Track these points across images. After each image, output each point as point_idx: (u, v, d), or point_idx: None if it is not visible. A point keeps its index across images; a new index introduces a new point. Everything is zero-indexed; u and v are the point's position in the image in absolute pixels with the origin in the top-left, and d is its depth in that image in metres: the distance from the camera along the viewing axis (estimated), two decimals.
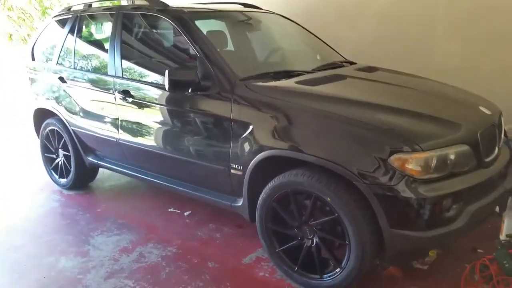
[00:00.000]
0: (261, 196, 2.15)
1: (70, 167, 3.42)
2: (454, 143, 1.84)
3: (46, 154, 3.64)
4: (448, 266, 2.26)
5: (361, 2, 3.82)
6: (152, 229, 2.83)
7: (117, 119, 2.87)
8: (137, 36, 3.00)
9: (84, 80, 3.10)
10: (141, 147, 2.77)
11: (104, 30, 3.37)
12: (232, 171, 2.25)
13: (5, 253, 2.61)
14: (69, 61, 3.26)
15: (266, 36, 3.23)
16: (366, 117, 1.91)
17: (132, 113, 2.78)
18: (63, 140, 3.40)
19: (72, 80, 3.19)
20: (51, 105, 3.38)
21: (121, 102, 2.80)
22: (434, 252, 2.30)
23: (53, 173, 3.62)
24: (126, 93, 2.75)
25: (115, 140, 2.92)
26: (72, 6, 3.54)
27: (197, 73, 2.29)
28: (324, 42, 3.20)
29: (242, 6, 3.31)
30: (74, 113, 3.20)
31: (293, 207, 2.07)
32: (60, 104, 3.31)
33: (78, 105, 3.16)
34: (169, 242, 2.64)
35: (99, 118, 3.02)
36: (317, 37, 3.22)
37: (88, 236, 2.76)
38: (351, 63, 2.98)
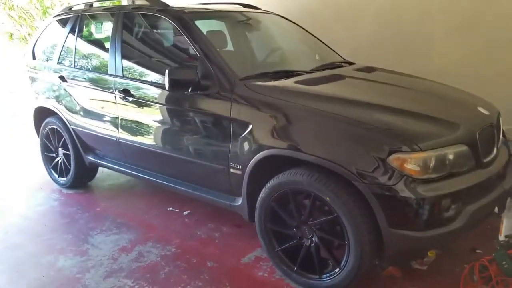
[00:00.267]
0: (260, 195, 2.15)
1: (70, 166, 3.42)
2: (452, 143, 1.85)
3: (45, 153, 3.65)
4: (447, 266, 2.26)
5: (360, 3, 3.83)
6: (151, 228, 2.83)
7: (117, 118, 2.88)
8: (137, 36, 3.00)
9: (84, 79, 3.11)
10: (141, 146, 2.77)
11: (105, 29, 3.38)
12: (232, 170, 2.25)
13: (4, 252, 2.62)
14: (70, 60, 3.27)
15: (265, 36, 3.24)
16: (365, 117, 1.92)
17: (132, 112, 2.79)
18: (63, 139, 3.41)
19: (72, 79, 3.19)
20: (51, 104, 3.39)
21: (121, 101, 2.81)
22: (433, 252, 2.30)
23: (53, 172, 3.63)
24: (126, 92, 2.75)
25: (115, 139, 2.93)
26: (73, 6, 3.55)
27: (197, 72, 2.30)
28: (322, 42, 3.21)
29: (242, 7, 3.31)
30: (74, 112, 3.21)
31: (292, 207, 2.07)
32: (60, 103, 3.32)
33: (78, 104, 3.17)
34: (168, 241, 2.64)
35: (99, 117, 3.02)
36: (315, 37, 3.23)
37: (87, 235, 2.76)
38: (350, 63, 2.98)
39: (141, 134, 2.78)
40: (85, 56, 3.25)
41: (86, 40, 3.36)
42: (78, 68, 3.19)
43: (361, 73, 2.70)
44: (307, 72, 2.56)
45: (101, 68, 3.04)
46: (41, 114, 3.56)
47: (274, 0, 4.19)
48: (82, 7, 3.36)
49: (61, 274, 2.34)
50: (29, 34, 8.75)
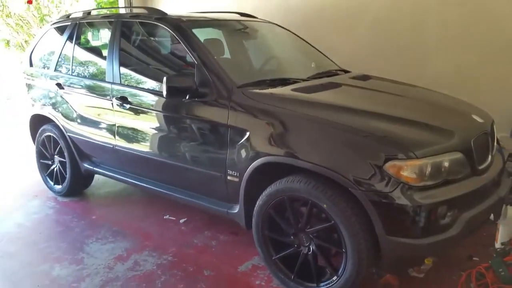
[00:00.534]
0: (257, 203, 2.15)
1: (66, 174, 3.40)
2: (448, 151, 1.86)
3: (41, 161, 3.62)
4: (444, 274, 2.26)
5: (356, 12, 3.88)
6: (147, 236, 2.81)
7: (114, 125, 2.87)
8: (135, 44, 3.02)
9: (81, 87, 3.11)
10: (137, 153, 2.77)
11: (103, 37, 3.39)
12: (229, 177, 2.25)
13: None
14: (67, 68, 3.27)
15: (262, 45, 3.27)
16: (362, 125, 1.93)
17: (129, 120, 2.79)
18: (59, 147, 3.39)
19: (69, 86, 3.19)
20: (48, 111, 3.38)
21: (118, 108, 2.81)
22: (430, 260, 2.30)
23: (48, 179, 3.60)
24: (123, 100, 2.76)
25: (112, 146, 2.92)
26: (71, 13, 3.57)
27: (195, 80, 2.31)
28: (318, 50, 3.25)
29: (239, 15, 3.35)
30: (71, 119, 3.20)
31: (289, 214, 2.07)
32: (57, 110, 3.31)
33: (75, 111, 3.16)
34: (164, 249, 2.62)
35: (96, 124, 3.02)
36: (312, 45, 3.26)
37: (82, 244, 2.74)
38: (345, 71, 3.01)
39: (138, 141, 2.77)
40: (82, 64, 3.26)
41: (84, 47, 3.37)
42: (75, 76, 3.19)
43: (356, 81, 2.73)
44: (304, 80, 2.58)
45: (99, 76, 3.05)
46: (37, 122, 3.55)
47: (271, 9, 4.25)
48: (80, 15, 3.38)
49: (56, 283, 2.31)
50: (26, 41, 8.76)
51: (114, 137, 2.89)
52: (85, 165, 3.26)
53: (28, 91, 3.60)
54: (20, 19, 8.79)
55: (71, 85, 3.18)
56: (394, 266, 1.97)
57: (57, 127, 3.34)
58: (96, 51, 3.30)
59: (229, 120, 2.22)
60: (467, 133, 2.01)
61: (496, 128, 2.32)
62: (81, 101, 3.12)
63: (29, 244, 2.76)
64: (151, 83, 2.74)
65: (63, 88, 3.23)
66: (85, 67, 3.23)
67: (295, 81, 2.51)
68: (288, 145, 2.04)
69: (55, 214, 3.24)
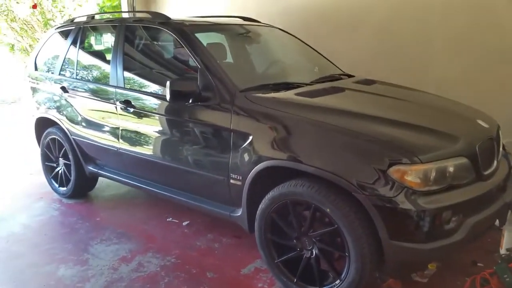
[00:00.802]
0: (260, 206, 2.15)
1: (70, 176, 3.42)
2: (453, 156, 1.85)
3: (46, 163, 3.65)
4: (448, 279, 2.24)
5: (359, 16, 3.87)
6: (151, 238, 2.82)
7: (118, 128, 2.89)
8: (138, 48, 3.04)
9: (86, 90, 3.13)
10: (141, 156, 2.78)
11: (106, 41, 3.42)
12: (232, 181, 2.26)
13: (4, 261, 2.61)
14: (71, 71, 3.30)
15: (265, 49, 3.27)
16: (365, 129, 1.93)
17: (133, 123, 2.81)
18: (63, 149, 3.42)
19: (74, 90, 3.22)
20: (53, 114, 3.41)
21: (122, 112, 2.83)
22: (434, 265, 2.29)
23: (53, 181, 3.63)
24: (127, 103, 2.77)
25: (116, 149, 2.94)
26: (75, 18, 3.60)
27: (198, 84, 2.32)
28: (321, 55, 3.24)
29: (242, 20, 3.36)
30: (76, 123, 3.23)
31: (292, 218, 2.07)
32: (61, 113, 3.34)
33: (79, 114, 3.19)
34: (168, 251, 2.63)
35: (100, 127, 3.04)
36: (315, 50, 3.26)
37: (87, 245, 2.75)
38: (349, 76, 3.01)
39: (142, 145, 2.79)
40: (86, 67, 3.28)
41: (88, 51, 3.40)
42: (80, 79, 3.21)
43: (360, 85, 2.72)
44: (307, 84, 2.58)
45: (103, 79, 3.07)
46: (42, 125, 3.58)
47: (274, 13, 4.26)
48: (84, 19, 3.41)
49: (62, 284, 2.33)
50: (30, 45, 8.84)
51: (118, 140, 2.90)
52: (90, 167, 3.28)
53: (33, 94, 3.64)
54: (25, 24, 8.87)
55: (76, 88, 3.21)
56: (397, 270, 1.97)
57: (61, 130, 3.37)
58: (100, 55, 3.33)
59: (232, 124, 2.23)
60: (472, 138, 2.00)
61: (502, 134, 2.31)
62: (85, 105, 3.14)
63: (34, 245, 2.78)
64: (154, 87, 2.75)
65: (67, 92, 3.26)
66: (89, 71, 3.26)
67: (298, 86, 2.51)
68: (291, 149, 2.04)
69: (60, 216, 3.26)
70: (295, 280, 2.10)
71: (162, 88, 2.62)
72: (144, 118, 2.74)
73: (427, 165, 1.76)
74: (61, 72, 3.36)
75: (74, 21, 3.52)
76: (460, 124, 2.20)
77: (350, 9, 3.90)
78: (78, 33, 3.32)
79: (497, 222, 2.07)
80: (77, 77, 3.24)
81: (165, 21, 2.75)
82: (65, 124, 3.31)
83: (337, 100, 2.40)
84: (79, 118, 3.19)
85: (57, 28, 3.63)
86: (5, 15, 8.76)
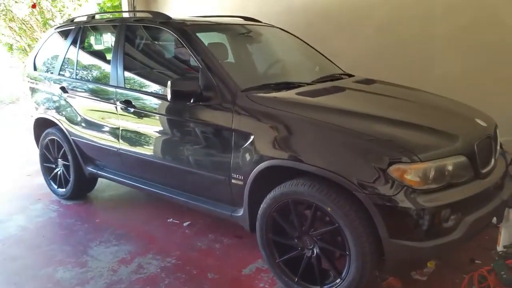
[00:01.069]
0: (261, 206, 2.16)
1: (69, 177, 3.41)
2: (451, 154, 1.88)
3: (45, 164, 3.64)
4: (447, 277, 2.27)
5: (360, 16, 3.90)
6: (151, 239, 2.82)
7: (118, 128, 2.89)
8: (139, 48, 3.04)
9: (85, 90, 3.13)
10: (141, 156, 2.78)
11: (106, 41, 3.42)
12: (233, 181, 2.27)
13: (2, 264, 2.59)
14: (71, 71, 3.30)
15: (266, 49, 3.29)
16: (366, 128, 1.95)
17: (133, 123, 2.81)
18: (62, 150, 3.41)
19: (73, 90, 3.21)
20: (52, 115, 3.40)
21: (123, 112, 2.83)
22: (433, 262, 2.31)
23: (52, 183, 3.61)
24: (127, 103, 2.78)
25: (116, 149, 2.94)
26: (75, 17, 3.60)
27: (199, 84, 2.33)
28: (322, 54, 3.27)
29: (243, 19, 3.37)
30: (75, 123, 3.22)
31: (293, 217, 2.08)
32: (60, 113, 3.33)
33: (79, 114, 3.18)
34: (168, 252, 2.63)
35: (100, 127, 3.04)
36: (315, 50, 3.29)
37: (86, 247, 2.74)
38: (349, 75, 3.03)
39: (142, 145, 2.79)
40: (86, 67, 3.28)
41: (88, 51, 3.39)
42: (79, 79, 3.21)
43: (361, 85, 2.74)
44: (308, 84, 2.60)
45: (103, 79, 3.07)
46: (41, 125, 3.56)
47: (275, 13, 4.28)
48: (84, 19, 3.41)
49: (60, 286, 2.32)
50: (29, 45, 8.79)
51: (118, 140, 2.90)
52: (89, 168, 3.27)
53: (32, 94, 3.62)
54: (23, 23, 8.83)
55: (75, 88, 3.20)
56: (397, 269, 1.98)
57: (61, 130, 3.36)
58: (100, 55, 3.33)
59: (233, 124, 2.24)
60: (470, 137, 2.02)
61: (499, 132, 2.34)
62: (85, 105, 3.14)
63: (33, 247, 2.77)
64: (155, 87, 2.76)
65: (67, 92, 3.25)
66: (89, 71, 3.25)
67: (299, 85, 2.53)
68: (292, 148, 2.06)
69: (58, 217, 3.25)
70: (296, 279, 2.11)
71: (163, 88, 2.62)
72: (144, 118, 2.74)
73: (426, 163, 1.78)
74: (61, 72, 3.36)
75: (74, 21, 3.51)
76: (459, 123, 2.23)
77: (350, 9, 3.93)
78: (78, 33, 3.32)
79: (494, 220, 2.10)
80: (77, 77, 3.23)
81: (166, 21, 2.76)
82: (64, 125, 3.30)
83: (337, 100, 2.42)
84: (79, 119, 3.18)
85: (57, 28, 3.63)
86: (3, 15, 8.72)
